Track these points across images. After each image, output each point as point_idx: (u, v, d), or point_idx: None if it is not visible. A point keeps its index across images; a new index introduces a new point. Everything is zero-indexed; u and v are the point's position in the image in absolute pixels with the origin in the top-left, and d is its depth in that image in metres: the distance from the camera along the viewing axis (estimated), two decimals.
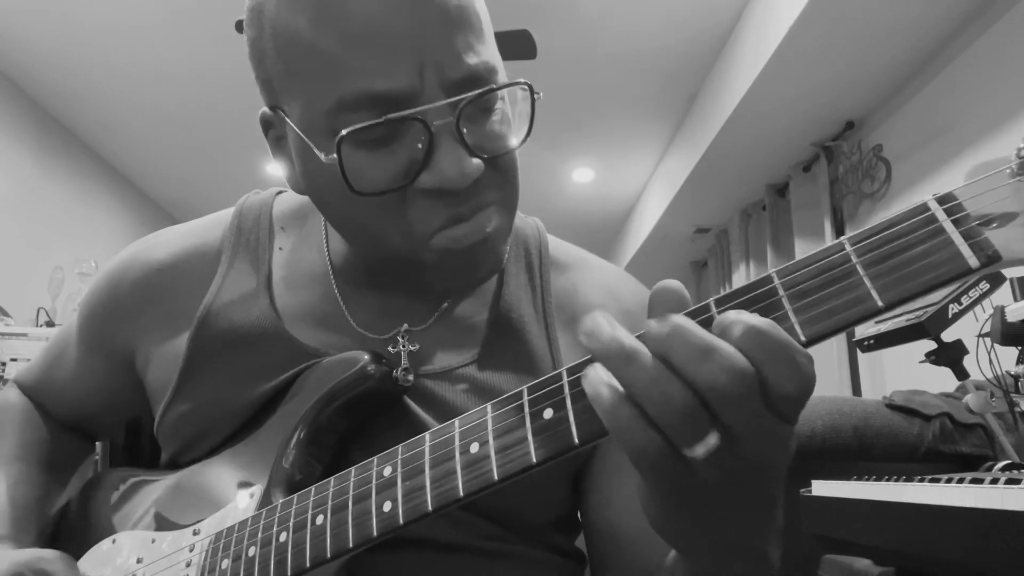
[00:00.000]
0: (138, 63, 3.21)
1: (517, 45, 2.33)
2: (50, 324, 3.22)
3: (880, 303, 0.33)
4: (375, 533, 0.44)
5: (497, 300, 0.65)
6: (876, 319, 1.09)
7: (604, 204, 4.79)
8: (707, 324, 0.34)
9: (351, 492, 0.46)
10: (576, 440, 0.37)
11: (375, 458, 0.46)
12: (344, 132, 0.48)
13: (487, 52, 0.52)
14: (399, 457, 0.45)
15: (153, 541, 0.59)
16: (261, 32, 0.53)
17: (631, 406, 0.33)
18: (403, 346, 0.61)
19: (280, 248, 0.68)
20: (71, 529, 0.68)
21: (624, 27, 2.94)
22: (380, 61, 0.48)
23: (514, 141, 0.55)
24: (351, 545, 0.45)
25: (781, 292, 0.35)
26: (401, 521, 0.43)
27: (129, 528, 0.62)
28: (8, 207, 3.34)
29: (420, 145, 0.50)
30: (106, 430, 0.81)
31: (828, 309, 0.34)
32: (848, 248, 0.34)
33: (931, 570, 0.75)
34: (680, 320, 0.33)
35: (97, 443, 0.82)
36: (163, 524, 0.60)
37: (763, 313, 0.34)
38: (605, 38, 3.01)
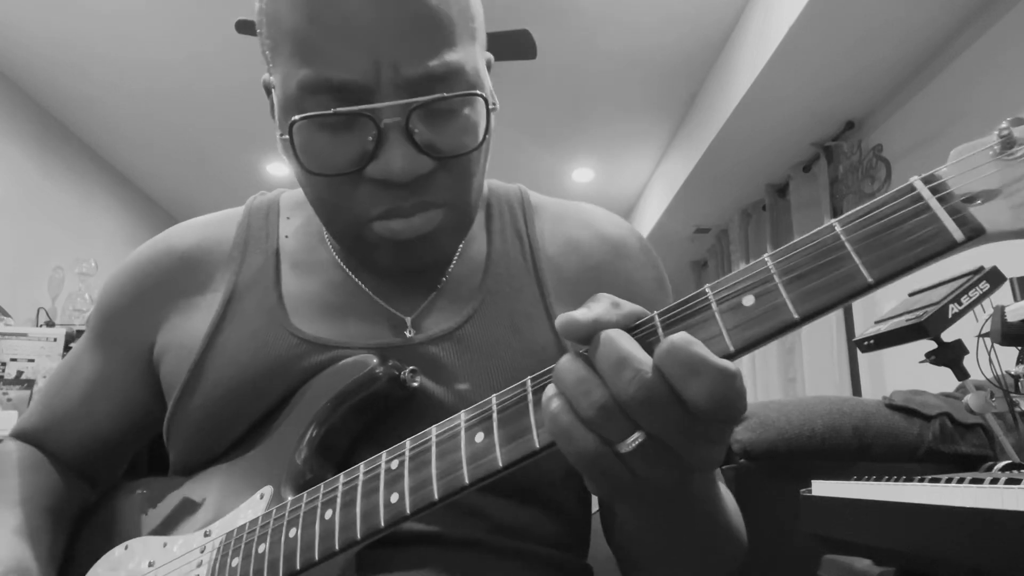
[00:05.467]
0: (139, 63, 3.21)
1: (517, 45, 2.33)
2: (50, 324, 3.21)
3: (869, 279, 0.34)
4: (382, 524, 0.44)
5: (487, 260, 0.66)
6: (876, 320, 1.09)
7: (604, 204, 4.68)
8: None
9: (359, 487, 0.47)
10: None
11: (383, 452, 0.47)
12: (295, 118, 0.52)
13: (456, 54, 0.53)
14: (406, 451, 0.46)
15: (165, 545, 0.59)
16: (262, 5, 0.57)
17: (570, 413, 0.37)
18: (408, 328, 0.62)
19: (286, 236, 0.69)
20: (89, 537, 0.68)
21: (624, 27, 2.94)
22: (339, 52, 0.51)
23: (470, 146, 0.56)
24: (359, 537, 0.45)
25: (774, 272, 0.36)
26: (408, 511, 0.43)
27: (142, 534, 0.62)
28: (8, 207, 3.34)
29: (370, 138, 0.53)
30: (113, 465, 0.75)
31: (819, 286, 0.35)
32: (838, 228, 0.36)
33: (931, 570, 0.75)
34: (606, 333, 0.37)
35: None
36: (175, 529, 0.60)
37: (757, 293, 0.36)
38: (605, 38, 3.01)
